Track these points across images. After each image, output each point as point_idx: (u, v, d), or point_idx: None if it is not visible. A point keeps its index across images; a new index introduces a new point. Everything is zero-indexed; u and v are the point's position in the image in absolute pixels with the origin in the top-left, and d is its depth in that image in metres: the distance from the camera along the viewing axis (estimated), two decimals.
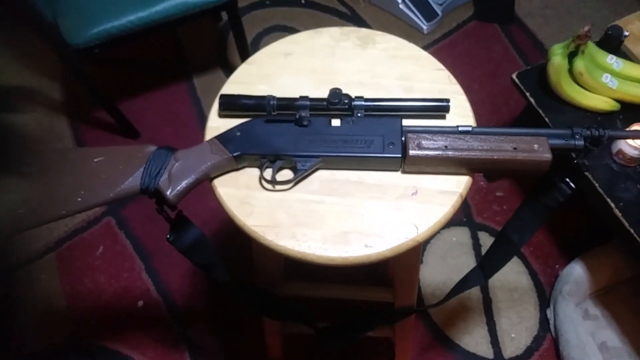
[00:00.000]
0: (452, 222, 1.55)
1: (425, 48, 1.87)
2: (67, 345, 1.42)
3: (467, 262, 1.49)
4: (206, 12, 1.43)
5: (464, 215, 1.57)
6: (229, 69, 1.83)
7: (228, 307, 1.45)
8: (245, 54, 1.64)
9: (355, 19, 1.96)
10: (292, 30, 1.93)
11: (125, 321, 1.46)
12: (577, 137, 0.71)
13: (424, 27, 1.86)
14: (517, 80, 1.28)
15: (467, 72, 1.79)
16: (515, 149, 0.68)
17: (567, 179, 0.73)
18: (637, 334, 1.35)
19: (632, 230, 1.10)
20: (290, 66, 0.82)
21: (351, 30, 0.85)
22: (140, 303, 1.48)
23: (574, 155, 0.73)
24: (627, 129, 1.14)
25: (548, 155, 0.68)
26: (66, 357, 1.41)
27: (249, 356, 1.38)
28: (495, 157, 0.68)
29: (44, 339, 1.44)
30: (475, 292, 1.46)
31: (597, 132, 0.70)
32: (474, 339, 1.41)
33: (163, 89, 1.82)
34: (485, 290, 1.47)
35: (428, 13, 1.86)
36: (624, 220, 1.11)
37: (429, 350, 1.39)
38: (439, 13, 1.87)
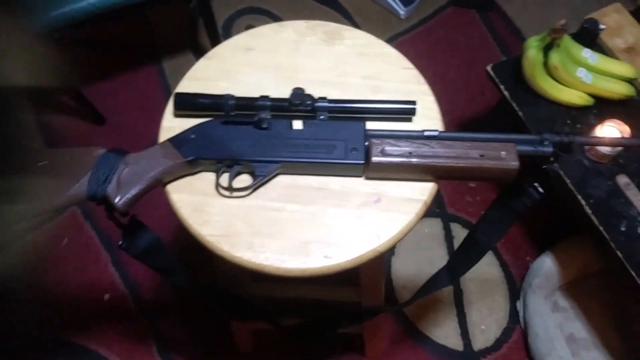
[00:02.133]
0: (425, 213, 1.54)
1: (402, 34, 1.86)
2: (30, 340, 1.38)
3: (439, 254, 1.48)
4: None
5: (436, 206, 1.55)
6: (200, 52, 1.75)
7: (196, 299, 1.42)
8: (215, 38, 1.58)
9: (332, 3, 1.90)
10: (266, 13, 1.87)
11: (91, 315, 1.42)
12: (546, 143, 0.68)
13: (402, 12, 1.82)
14: (491, 73, 1.25)
15: (444, 60, 1.76)
16: (482, 156, 0.66)
17: (536, 184, 0.71)
18: (604, 325, 1.36)
19: (601, 228, 1.10)
20: (252, 62, 0.78)
21: (317, 24, 0.81)
22: (107, 296, 1.44)
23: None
24: (599, 126, 1.12)
25: (515, 163, 0.66)
26: (30, 352, 1.37)
27: (218, 348, 1.36)
28: (461, 165, 0.66)
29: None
30: None
31: (566, 139, 0.68)
32: (444, 331, 1.41)
33: (131, 72, 1.75)
34: (456, 282, 1.46)
35: None
36: (594, 218, 1.11)
37: (400, 343, 1.39)
38: None
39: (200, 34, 1.82)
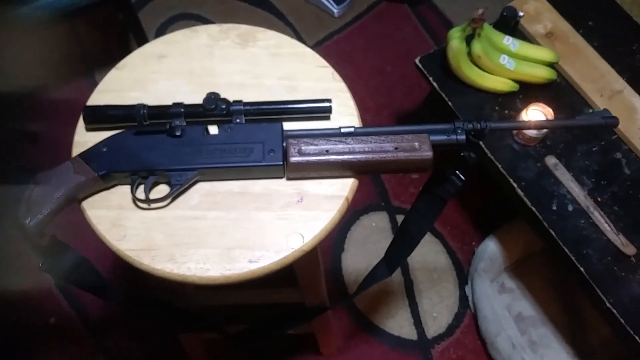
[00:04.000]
0: (371, 207, 1.56)
1: (337, 32, 1.87)
2: None
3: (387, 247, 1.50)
4: (99, 3, 1.33)
5: (381, 200, 1.57)
6: None
7: (140, 314, 1.39)
8: None
9: (264, 4, 1.89)
10: (199, 18, 1.85)
11: (37, 340, 1.37)
12: (459, 131, 0.70)
13: (335, 11, 1.83)
14: (420, 65, 1.27)
15: (380, 54, 1.78)
16: (396, 148, 0.67)
17: (457, 171, 0.72)
18: (549, 301, 1.41)
19: (534, 209, 1.13)
20: (165, 70, 0.76)
21: (230, 28, 0.80)
22: (53, 320, 1.39)
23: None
24: (524, 110, 1.16)
25: (429, 153, 0.67)
26: None
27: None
28: (376, 159, 0.66)
29: None
30: (396, 275, 1.48)
31: (478, 125, 0.70)
32: (398, 322, 1.43)
33: (62, 86, 1.70)
34: (405, 273, 1.48)
35: None
36: (526, 200, 1.14)
37: (354, 338, 1.40)
38: None
39: (132, 43, 1.78)
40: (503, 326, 1.32)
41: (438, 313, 1.45)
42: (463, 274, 1.49)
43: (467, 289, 1.46)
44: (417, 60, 1.28)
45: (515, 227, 1.43)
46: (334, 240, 1.51)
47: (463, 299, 1.46)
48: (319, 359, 1.35)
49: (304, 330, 1.20)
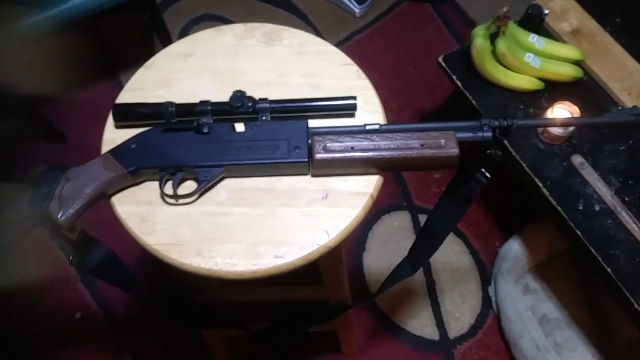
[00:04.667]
0: (393, 206, 1.56)
1: (359, 32, 1.87)
2: None
3: (409, 246, 1.49)
4: (124, 6, 1.35)
5: (403, 200, 1.57)
6: None
7: (162, 311, 1.41)
8: None
9: (286, 5, 1.90)
10: (222, 19, 1.87)
11: (63, 335, 1.40)
12: (485, 129, 0.69)
13: (357, 10, 1.83)
14: (443, 64, 1.27)
15: (402, 54, 1.78)
16: (422, 145, 0.67)
17: (483, 169, 0.72)
18: (574, 303, 1.38)
19: (559, 208, 1.12)
20: (191, 69, 0.77)
21: (255, 27, 0.81)
22: (78, 315, 1.42)
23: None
24: (550, 108, 1.15)
25: (455, 150, 0.67)
26: None
27: (195, 358, 1.35)
28: (402, 155, 0.66)
29: None
30: (418, 275, 1.47)
31: (505, 123, 0.69)
32: (420, 322, 1.42)
33: (89, 88, 1.73)
34: (428, 273, 1.48)
35: None
36: (551, 199, 1.13)
37: (376, 337, 1.40)
38: None
39: (156, 45, 1.81)
40: (527, 327, 1.31)
41: (460, 313, 1.44)
42: (486, 275, 1.48)
43: (490, 290, 1.44)
44: (440, 59, 1.27)
45: (540, 228, 1.41)
46: (356, 239, 1.51)
47: (486, 300, 1.45)
48: (340, 358, 1.35)
49: (326, 329, 1.20)
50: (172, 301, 0.88)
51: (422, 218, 1.54)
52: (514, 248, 1.39)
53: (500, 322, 1.39)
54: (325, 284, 0.92)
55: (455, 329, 1.42)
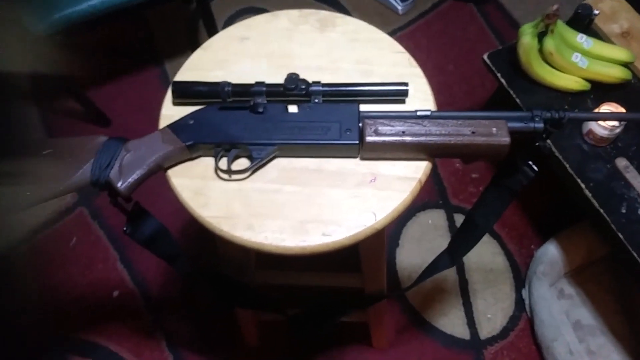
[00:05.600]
0: (428, 204, 1.56)
1: (400, 29, 1.88)
2: (41, 337, 1.40)
3: (443, 245, 1.45)
4: None
5: (439, 198, 1.56)
6: None
7: (203, 293, 1.44)
8: None
9: (331, 1, 1.92)
10: (264, 12, 1.89)
11: (100, 312, 1.44)
12: (537, 119, 0.69)
13: (399, 8, 1.84)
14: (488, 61, 1.26)
15: (442, 53, 1.77)
16: (473, 132, 0.67)
17: (530, 162, 0.72)
18: (609, 311, 1.36)
19: (602, 211, 1.10)
20: (246, 51, 0.80)
21: (310, 13, 0.83)
22: (116, 293, 1.46)
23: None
24: (596, 110, 1.13)
25: (507, 139, 0.67)
26: (41, 349, 1.40)
27: (226, 341, 1.38)
28: (453, 142, 0.67)
29: (18, 331, 1.42)
30: (451, 273, 1.47)
31: (557, 115, 0.69)
32: (451, 320, 1.42)
33: (133, 75, 1.78)
34: (461, 272, 1.47)
35: None
36: (594, 201, 1.11)
37: (405, 333, 1.40)
38: None
39: (200, 34, 1.85)
40: (561, 331, 1.29)
41: (492, 314, 1.43)
42: (520, 277, 1.47)
43: (524, 292, 1.43)
44: (485, 56, 1.27)
45: (577, 233, 1.39)
46: (390, 234, 1.51)
47: (519, 303, 1.43)
48: (370, 351, 1.36)
49: (359, 319, 1.21)
50: (214, 278, 0.90)
51: (458, 217, 1.54)
52: (551, 251, 1.38)
53: (533, 325, 1.37)
54: (364, 270, 0.93)
55: (487, 329, 1.41)
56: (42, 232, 1.53)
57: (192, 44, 1.83)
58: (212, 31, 1.56)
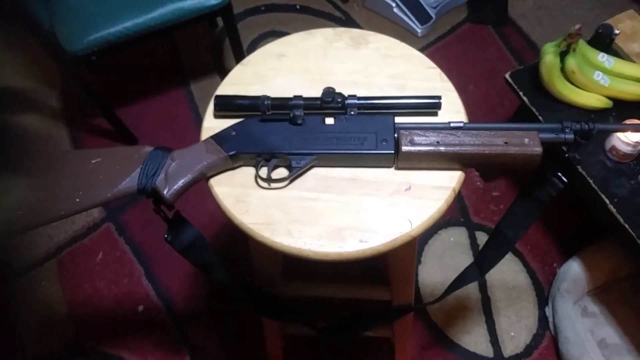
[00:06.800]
0: (450, 222, 1.57)
1: (420, 51, 1.89)
2: (67, 351, 1.42)
3: (464, 262, 1.48)
4: (202, 18, 1.44)
5: (461, 216, 1.58)
6: (226, 74, 1.84)
7: (228, 308, 1.45)
8: (241, 60, 1.65)
9: (350, 23, 1.98)
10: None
11: (125, 326, 1.46)
12: (567, 130, 0.72)
13: (418, 30, 1.88)
14: (510, 80, 1.29)
15: (461, 74, 1.81)
16: (506, 143, 0.70)
17: (559, 173, 0.74)
18: (636, 330, 1.35)
19: (627, 226, 1.11)
20: (284, 67, 0.83)
21: (344, 31, 0.86)
22: (141, 307, 1.48)
23: (565, 149, 0.74)
24: None
25: (539, 149, 0.69)
26: None
27: (250, 357, 1.39)
28: (486, 152, 0.69)
29: (44, 345, 1.44)
30: (473, 291, 1.47)
31: (587, 126, 0.72)
32: (474, 338, 1.41)
33: (160, 94, 1.84)
34: (483, 290, 1.47)
35: (422, 16, 1.88)
36: (618, 216, 1.12)
37: (429, 350, 1.40)
38: (433, 16, 1.89)
39: (226, 56, 1.90)
40: (586, 349, 1.28)
41: (516, 332, 1.42)
42: (543, 295, 1.46)
43: (548, 310, 1.42)
44: (507, 75, 1.30)
45: (601, 251, 1.39)
46: None
47: (542, 320, 1.43)
48: None
49: (384, 334, 1.22)
50: (247, 288, 0.92)
51: (480, 235, 1.54)
52: (574, 268, 1.38)
53: (557, 342, 1.37)
54: (394, 283, 0.95)
55: (510, 347, 1.40)
56: (70, 247, 1.57)
57: (218, 66, 1.89)
58: (238, 52, 1.61)
